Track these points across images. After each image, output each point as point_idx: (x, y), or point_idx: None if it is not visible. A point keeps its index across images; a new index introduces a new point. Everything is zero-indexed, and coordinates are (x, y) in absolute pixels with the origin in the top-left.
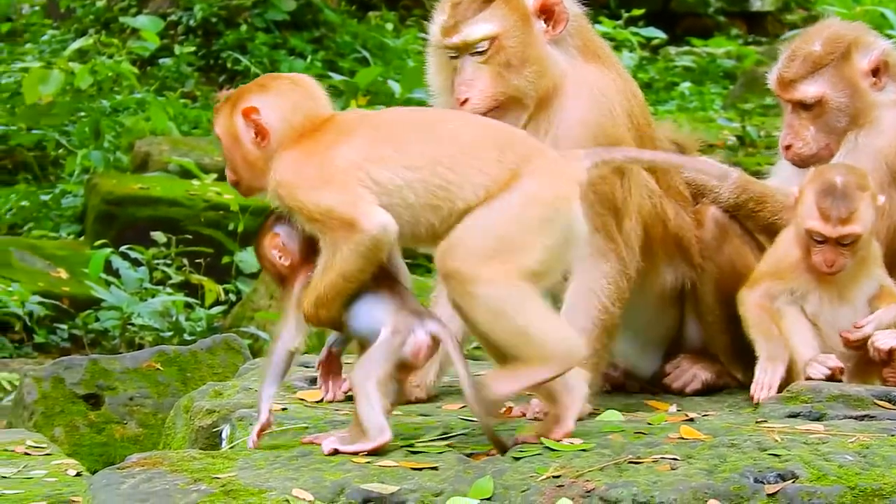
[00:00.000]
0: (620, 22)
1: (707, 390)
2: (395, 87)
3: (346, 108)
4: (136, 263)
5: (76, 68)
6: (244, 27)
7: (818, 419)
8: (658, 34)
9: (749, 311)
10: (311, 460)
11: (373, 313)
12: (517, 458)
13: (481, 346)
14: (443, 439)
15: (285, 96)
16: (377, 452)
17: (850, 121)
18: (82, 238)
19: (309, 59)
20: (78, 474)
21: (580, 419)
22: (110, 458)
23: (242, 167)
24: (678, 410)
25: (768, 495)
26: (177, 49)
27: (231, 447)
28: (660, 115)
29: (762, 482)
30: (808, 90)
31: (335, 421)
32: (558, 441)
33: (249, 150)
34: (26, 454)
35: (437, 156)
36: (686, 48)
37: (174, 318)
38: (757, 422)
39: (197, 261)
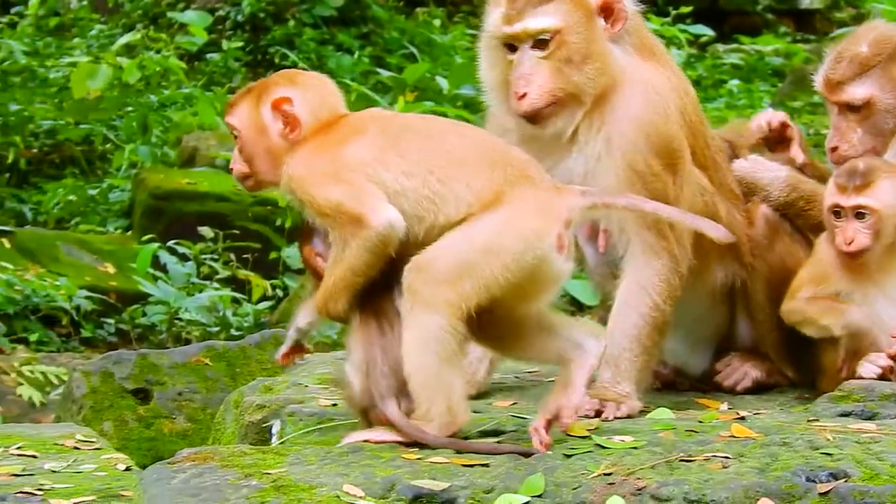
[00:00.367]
0: (668, 19)
1: (758, 388)
2: (443, 83)
3: (395, 104)
4: (183, 258)
5: (124, 63)
6: (292, 23)
7: (870, 418)
8: (706, 31)
9: (803, 308)
10: (362, 456)
11: None
12: (568, 456)
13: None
14: (494, 436)
15: (314, 90)
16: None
17: None
18: (129, 233)
19: (356, 55)
20: (127, 469)
21: (630, 417)
22: (158, 453)
23: (261, 160)
24: (729, 408)
25: (820, 494)
26: (224, 44)
27: (281, 442)
28: (708, 112)
29: (814, 481)
30: (856, 92)
31: None
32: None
33: (275, 142)
34: (76, 448)
35: (431, 166)
36: (734, 46)
37: (221, 313)
38: (808, 420)
39: (244, 256)
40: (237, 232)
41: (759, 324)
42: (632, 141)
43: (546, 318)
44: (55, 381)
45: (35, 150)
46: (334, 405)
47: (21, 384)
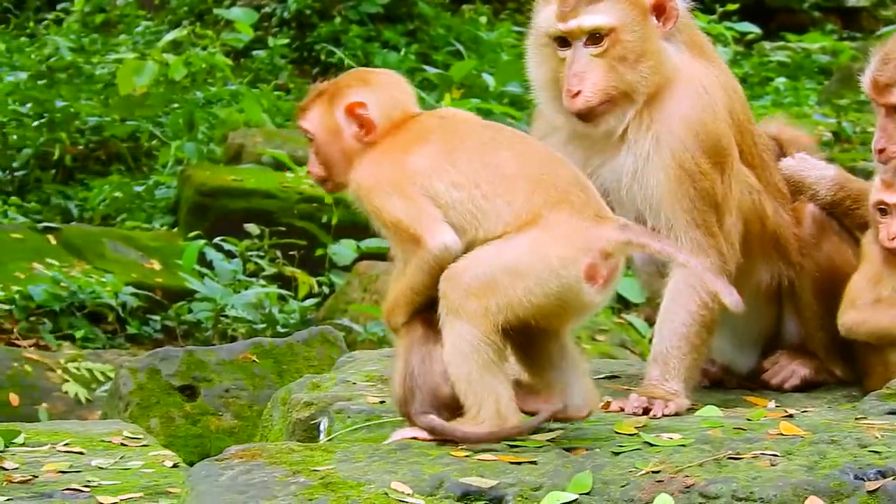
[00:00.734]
0: (715, 16)
1: (805, 386)
2: (490, 80)
3: (441, 101)
4: (229, 255)
5: (170, 60)
6: (338, 20)
7: None
8: (752, 29)
9: (866, 315)
10: (410, 454)
11: None
12: (617, 454)
13: None
14: (542, 433)
15: (387, 90)
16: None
17: None
18: (175, 229)
19: (403, 52)
20: (174, 465)
21: (678, 415)
22: (205, 450)
23: (337, 162)
24: (777, 406)
25: (868, 492)
26: (271, 41)
27: (329, 440)
28: (754, 110)
29: (862, 479)
30: None
31: None
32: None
33: (349, 145)
34: (123, 445)
35: (478, 180)
36: (780, 43)
37: (267, 310)
38: (856, 418)
39: (290, 253)
40: (283, 229)
41: (806, 322)
42: (681, 139)
43: (565, 355)
44: (101, 378)
45: (81, 147)
46: (382, 402)
47: (67, 381)
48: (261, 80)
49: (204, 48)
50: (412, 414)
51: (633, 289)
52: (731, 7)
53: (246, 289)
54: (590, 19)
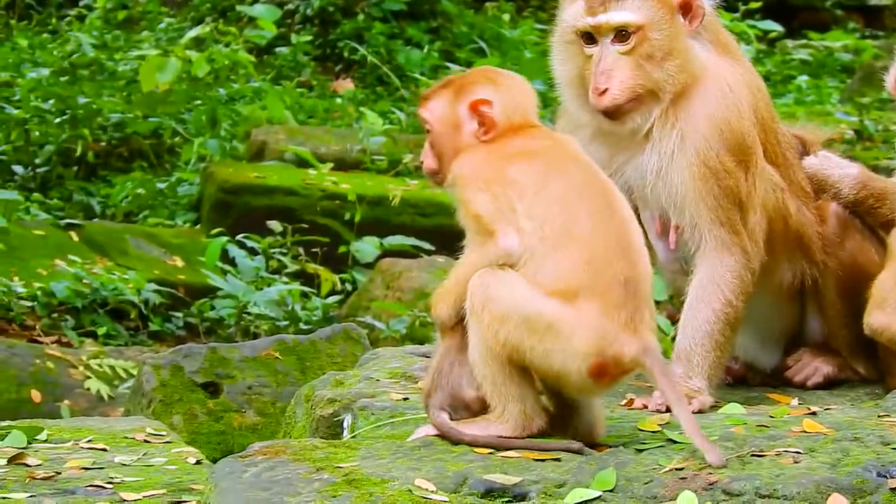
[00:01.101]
0: (738, 15)
1: (828, 384)
2: None
3: None
4: (252, 252)
5: (193, 56)
6: (361, 17)
7: None
8: (775, 27)
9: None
10: (434, 450)
11: None
12: (640, 451)
13: None
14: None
15: (512, 94)
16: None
17: None
18: (198, 226)
19: (426, 50)
20: (198, 462)
21: (701, 412)
22: (228, 447)
23: (449, 156)
24: (800, 404)
25: (891, 489)
26: (293, 38)
27: (353, 436)
28: (777, 108)
29: (885, 476)
30: None
31: None
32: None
33: (465, 141)
34: (146, 442)
35: (548, 224)
36: (803, 41)
37: (290, 308)
38: (879, 416)
39: (313, 250)
40: (306, 226)
41: (830, 320)
42: (705, 137)
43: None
44: (123, 375)
45: (103, 144)
46: (405, 399)
47: (89, 378)
48: (284, 77)
49: (227, 45)
50: (429, 406)
51: (656, 286)
52: (754, 5)
53: (268, 286)
54: (618, 15)
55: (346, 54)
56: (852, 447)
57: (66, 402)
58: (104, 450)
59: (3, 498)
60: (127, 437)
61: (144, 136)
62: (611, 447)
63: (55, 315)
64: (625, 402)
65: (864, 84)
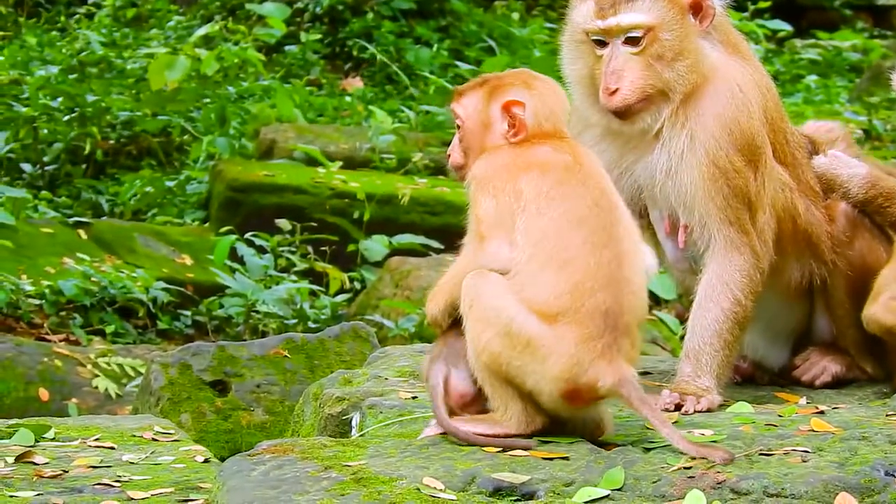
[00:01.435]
0: (746, 14)
1: (836, 383)
2: None
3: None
4: (260, 250)
5: (202, 54)
6: (370, 15)
7: None
8: (784, 26)
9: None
10: (442, 449)
11: None
12: (648, 450)
13: None
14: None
15: (545, 99)
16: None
17: None
18: (206, 224)
19: (435, 48)
20: (206, 461)
21: (710, 411)
22: (236, 445)
23: (475, 153)
24: (808, 403)
25: None
26: (303, 36)
27: (361, 435)
28: (785, 107)
29: (893, 475)
30: None
31: None
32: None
33: (493, 141)
34: (154, 440)
35: (543, 241)
36: (812, 41)
37: (299, 306)
38: (887, 415)
39: (322, 248)
40: (315, 224)
41: (838, 319)
42: (715, 137)
43: None
44: (131, 373)
45: (112, 142)
46: (414, 398)
47: (97, 376)
48: (293, 76)
49: (236, 43)
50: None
51: (664, 285)
52: (763, 4)
53: (277, 284)
54: (629, 17)
55: (355, 53)
56: (860, 446)
57: (74, 400)
58: (112, 448)
59: (11, 496)
60: (135, 436)
61: (153, 135)
62: (619, 446)
63: (63, 313)
64: None
65: (873, 83)
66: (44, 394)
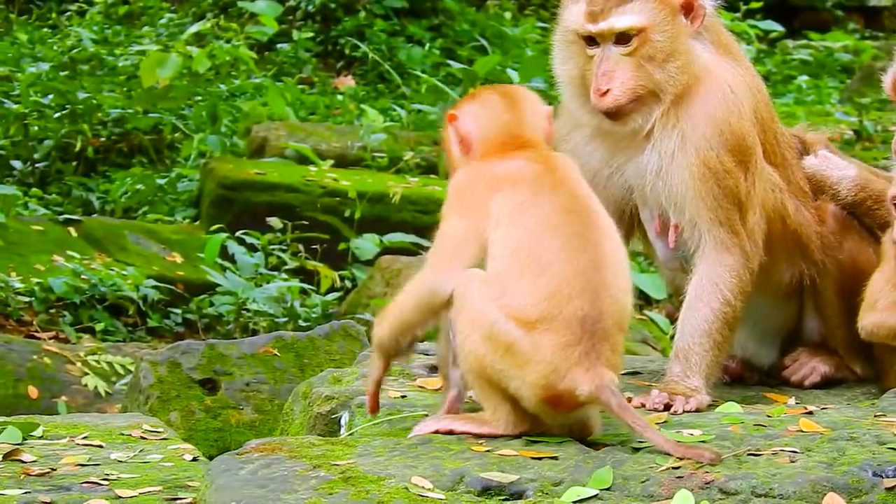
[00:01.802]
0: (738, 14)
1: (825, 384)
2: (514, 75)
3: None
4: (251, 249)
5: (194, 52)
6: (363, 14)
7: None
8: (775, 27)
9: (885, 316)
10: (431, 448)
11: None
12: (637, 449)
13: None
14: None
15: (492, 110)
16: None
17: None
18: (197, 222)
19: (427, 47)
20: (194, 459)
21: (699, 411)
22: (225, 444)
23: (453, 171)
24: (797, 403)
25: (887, 489)
26: (295, 34)
27: (350, 434)
28: (777, 108)
29: (881, 476)
30: None
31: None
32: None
33: (455, 156)
34: (142, 438)
35: (519, 249)
36: (803, 42)
37: (289, 304)
38: (875, 416)
39: (313, 247)
40: (306, 223)
41: (828, 320)
42: (706, 138)
43: None
44: (121, 371)
45: (103, 139)
46: (403, 397)
47: (87, 374)
48: (285, 74)
49: (228, 41)
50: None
51: (655, 285)
52: (755, 5)
53: (268, 283)
54: (620, 21)
55: (347, 51)
56: (848, 447)
57: (64, 398)
58: (100, 446)
59: None
60: (123, 434)
61: (144, 132)
62: (608, 446)
63: (53, 311)
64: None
65: (864, 84)
66: (33, 391)
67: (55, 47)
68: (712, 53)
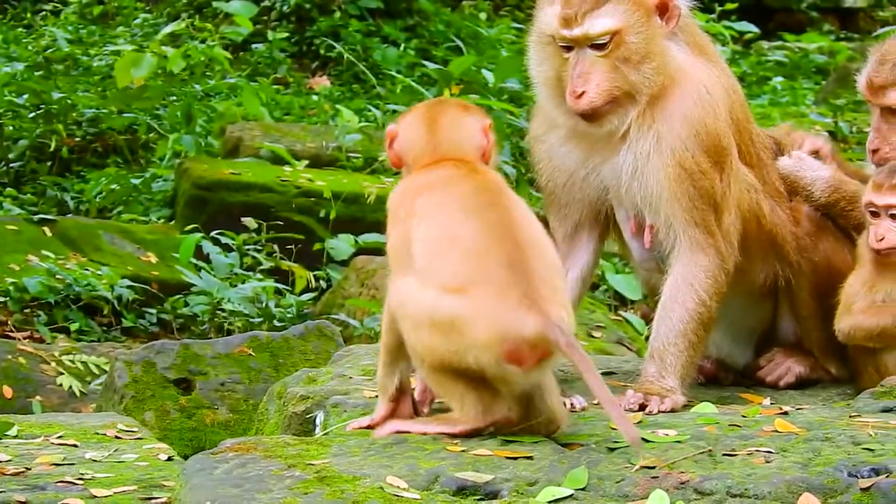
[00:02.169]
0: (713, 15)
1: (800, 384)
2: (489, 76)
3: (440, 96)
4: (226, 249)
5: (169, 52)
6: (338, 14)
7: None
8: (751, 28)
9: (861, 319)
10: (406, 448)
11: None
12: (612, 449)
13: None
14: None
15: (420, 130)
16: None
17: None
18: (172, 222)
19: (402, 48)
20: (169, 459)
21: (674, 411)
22: (200, 444)
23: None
24: (772, 403)
25: (862, 489)
26: (270, 35)
27: (325, 434)
28: (752, 109)
29: (856, 476)
30: None
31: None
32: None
33: (404, 171)
34: (117, 438)
35: (433, 240)
36: (778, 43)
37: (264, 305)
38: (851, 416)
39: (288, 247)
40: (281, 223)
41: (803, 320)
42: (681, 139)
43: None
44: (96, 371)
45: (78, 139)
46: (378, 397)
47: (61, 374)
48: (259, 74)
49: (203, 41)
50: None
51: (630, 286)
52: (730, 6)
53: (243, 282)
54: (595, 25)
55: (322, 51)
56: (824, 447)
57: (38, 397)
58: (75, 446)
59: None
60: (98, 434)
61: (119, 132)
62: (583, 445)
63: (28, 310)
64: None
65: (839, 86)
66: (7, 391)
67: (30, 47)
68: (688, 54)
